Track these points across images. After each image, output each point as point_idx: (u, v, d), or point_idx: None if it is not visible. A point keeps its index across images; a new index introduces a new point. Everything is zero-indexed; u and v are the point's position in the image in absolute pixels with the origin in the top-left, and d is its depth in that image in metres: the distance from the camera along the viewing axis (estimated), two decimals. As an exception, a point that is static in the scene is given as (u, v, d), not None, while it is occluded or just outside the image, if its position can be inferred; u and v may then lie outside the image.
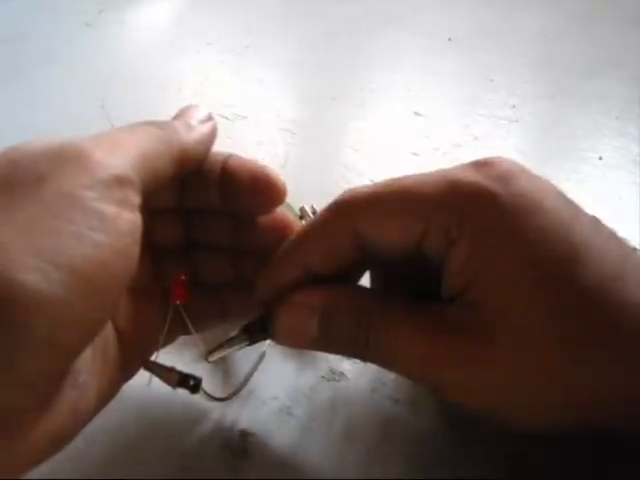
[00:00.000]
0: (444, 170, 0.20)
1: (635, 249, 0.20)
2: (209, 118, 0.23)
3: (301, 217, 0.31)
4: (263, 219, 0.24)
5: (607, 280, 0.18)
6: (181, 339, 0.26)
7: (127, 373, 0.23)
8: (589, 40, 0.55)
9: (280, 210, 0.24)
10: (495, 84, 0.50)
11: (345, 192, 0.21)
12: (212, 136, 0.22)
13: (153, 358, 0.23)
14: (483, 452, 0.23)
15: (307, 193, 0.31)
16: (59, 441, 0.18)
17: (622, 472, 0.22)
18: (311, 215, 0.31)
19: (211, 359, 0.23)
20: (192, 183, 0.23)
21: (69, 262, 0.15)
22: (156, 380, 0.23)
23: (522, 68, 0.52)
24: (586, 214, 0.20)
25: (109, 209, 0.16)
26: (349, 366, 0.27)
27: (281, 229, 0.24)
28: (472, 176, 0.19)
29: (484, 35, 0.57)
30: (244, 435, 0.25)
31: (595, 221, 0.20)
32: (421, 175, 0.21)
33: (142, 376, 0.23)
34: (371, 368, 0.27)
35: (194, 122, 0.22)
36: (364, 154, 0.42)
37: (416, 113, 0.46)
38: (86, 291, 0.16)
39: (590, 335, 0.18)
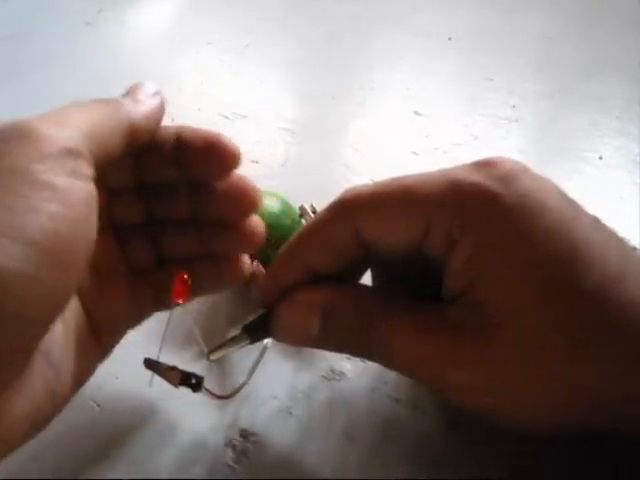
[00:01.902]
0: (445, 170, 0.20)
1: (635, 249, 0.20)
2: (157, 93, 0.23)
3: (301, 215, 0.31)
4: (221, 186, 0.24)
5: (608, 280, 0.18)
6: (182, 339, 0.26)
7: (100, 354, 0.23)
8: (588, 41, 0.55)
9: (236, 176, 0.24)
10: (495, 84, 0.50)
11: (346, 191, 0.21)
12: (161, 110, 0.23)
13: (154, 357, 0.23)
14: (484, 452, 0.23)
15: (307, 192, 0.31)
16: (36, 422, 0.18)
17: (623, 472, 0.22)
18: (311, 214, 0.31)
19: (212, 358, 0.23)
20: (148, 158, 0.23)
21: (26, 236, 0.15)
22: (157, 379, 0.23)
23: (522, 68, 0.52)
24: (587, 214, 0.20)
25: (60, 180, 0.17)
26: (349, 366, 0.27)
27: (239, 195, 0.24)
28: (474, 176, 0.19)
29: (484, 35, 0.57)
30: (244, 435, 0.25)
31: (596, 221, 0.20)
32: (422, 175, 0.20)
33: (143, 375, 0.23)
34: (372, 368, 0.27)
35: (142, 97, 0.22)
36: (364, 153, 0.42)
37: (416, 112, 0.46)
38: (47, 263, 0.16)
39: (592, 334, 0.18)
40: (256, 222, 0.25)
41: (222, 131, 0.24)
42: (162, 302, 0.25)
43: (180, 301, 0.24)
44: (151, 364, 0.23)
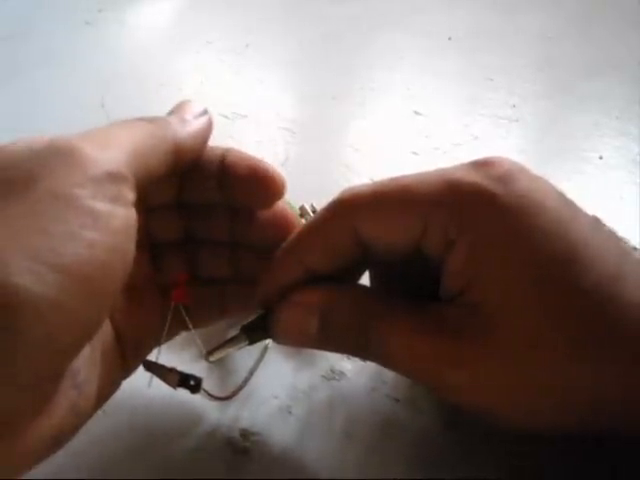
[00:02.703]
0: (443, 169, 0.20)
1: (635, 249, 0.20)
2: (204, 112, 0.22)
3: (301, 215, 0.31)
4: (263, 214, 0.24)
5: (606, 280, 0.18)
6: (181, 340, 0.26)
7: (126, 371, 0.23)
8: (589, 41, 0.55)
9: (280, 205, 0.24)
10: (495, 84, 0.50)
11: (344, 191, 0.21)
12: (207, 130, 0.22)
13: (154, 358, 0.23)
14: (483, 452, 0.23)
15: (307, 192, 0.31)
16: (59, 439, 0.18)
17: (621, 472, 0.22)
18: (311, 214, 0.31)
19: (212, 359, 0.23)
20: (190, 178, 0.23)
21: (62, 262, 0.15)
22: (157, 380, 0.23)
23: (522, 68, 0.52)
24: (586, 214, 0.20)
25: (102, 207, 0.16)
26: (349, 365, 0.27)
27: (281, 224, 0.24)
28: (472, 176, 0.19)
29: (484, 35, 0.57)
30: (244, 434, 0.25)
31: (595, 221, 0.20)
32: (420, 174, 0.20)
33: (143, 377, 0.23)
34: (371, 367, 0.27)
35: (189, 116, 0.22)
36: (364, 153, 0.42)
37: (416, 112, 0.46)
38: (81, 291, 0.15)
39: (590, 335, 0.18)
40: None
41: (222, 131, 0.23)
42: (191, 322, 0.24)
43: (179, 303, 0.24)
44: (150, 365, 0.23)
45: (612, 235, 0.20)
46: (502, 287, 0.18)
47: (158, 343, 0.24)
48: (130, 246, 0.17)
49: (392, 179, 0.21)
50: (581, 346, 0.18)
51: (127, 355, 0.22)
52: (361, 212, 0.21)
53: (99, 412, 0.21)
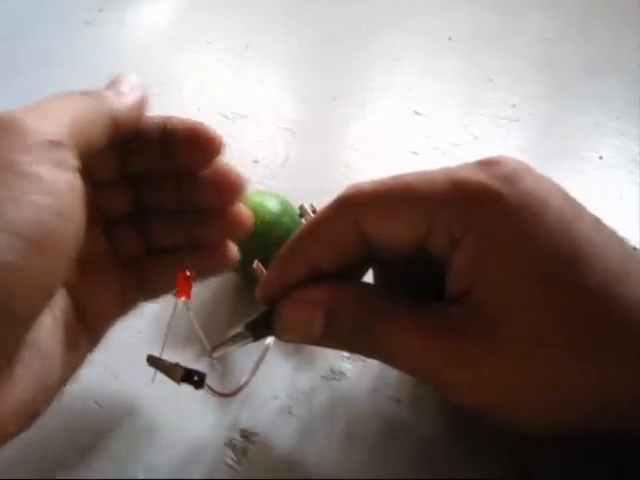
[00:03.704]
0: (448, 168, 0.20)
1: (635, 249, 0.20)
2: (139, 84, 0.23)
3: (301, 215, 0.31)
4: (205, 175, 0.25)
5: (611, 279, 0.18)
6: (182, 339, 0.26)
7: (89, 344, 0.23)
8: (589, 42, 0.55)
9: (220, 164, 0.24)
10: (495, 84, 0.50)
11: (349, 187, 0.21)
12: (143, 101, 0.23)
13: (157, 354, 0.23)
14: (487, 451, 0.23)
15: (307, 192, 0.31)
16: (28, 414, 0.19)
17: (627, 472, 0.21)
18: (311, 214, 0.31)
19: (215, 355, 0.23)
20: (133, 149, 0.24)
21: (12, 228, 0.15)
22: (159, 377, 0.23)
23: (522, 69, 0.52)
24: (589, 214, 0.20)
25: (46, 171, 0.17)
26: (350, 365, 0.27)
27: (223, 182, 0.24)
28: (477, 175, 0.19)
29: (484, 36, 0.57)
30: (245, 435, 0.25)
31: (597, 221, 0.20)
32: (425, 172, 0.20)
33: (142, 376, 0.23)
34: (372, 368, 0.27)
35: (125, 89, 0.22)
36: (364, 153, 0.42)
37: (416, 112, 0.46)
38: (34, 253, 0.16)
39: (594, 333, 0.18)
40: (241, 208, 0.25)
41: (222, 131, 0.24)
42: (150, 291, 0.25)
43: (184, 299, 0.24)
44: (153, 361, 0.23)
45: (614, 235, 0.20)
46: (507, 286, 0.18)
47: (119, 315, 0.24)
48: (78, 207, 0.18)
49: (396, 176, 0.21)
50: (585, 345, 0.18)
51: (89, 329, 0.23)
52: (365, 209, 0.20)
53: (98, 409, 0.21)
